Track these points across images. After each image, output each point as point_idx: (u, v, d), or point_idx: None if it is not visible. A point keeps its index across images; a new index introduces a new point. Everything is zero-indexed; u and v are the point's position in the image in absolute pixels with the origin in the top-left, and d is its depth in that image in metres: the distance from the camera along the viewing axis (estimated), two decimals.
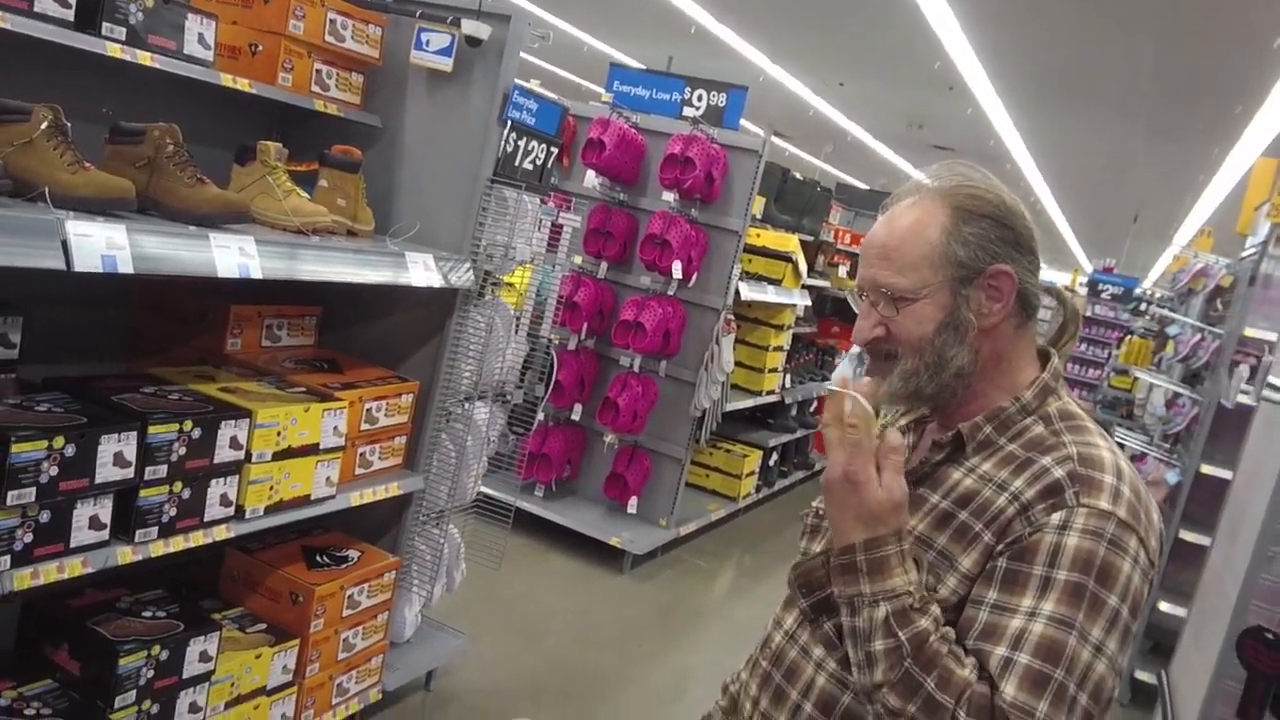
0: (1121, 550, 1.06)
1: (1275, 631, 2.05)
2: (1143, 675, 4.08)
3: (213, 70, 2.25)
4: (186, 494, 2.08)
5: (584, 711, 3.42)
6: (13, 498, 1.73)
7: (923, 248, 1.16)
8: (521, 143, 2.90)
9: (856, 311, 1.24)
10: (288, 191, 2.38)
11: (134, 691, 2.07)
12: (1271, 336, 4.03)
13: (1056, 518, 1.07)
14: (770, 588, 5.12)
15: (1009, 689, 0.99)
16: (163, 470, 2.01)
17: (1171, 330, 5.69)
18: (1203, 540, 3.89)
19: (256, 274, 2.05)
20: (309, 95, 2.61)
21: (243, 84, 2.33)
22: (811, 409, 7.35)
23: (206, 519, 2.15)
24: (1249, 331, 4.33)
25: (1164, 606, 3.97)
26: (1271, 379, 2.02)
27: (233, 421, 2.15)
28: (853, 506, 1.08)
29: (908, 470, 1.16)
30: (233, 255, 2.00)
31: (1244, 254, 4.81)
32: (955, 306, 1.16)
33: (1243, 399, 3.44)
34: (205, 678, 2.23)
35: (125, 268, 1.75)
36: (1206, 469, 4.36)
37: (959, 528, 1.12)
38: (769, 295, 5.42)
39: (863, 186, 12.38)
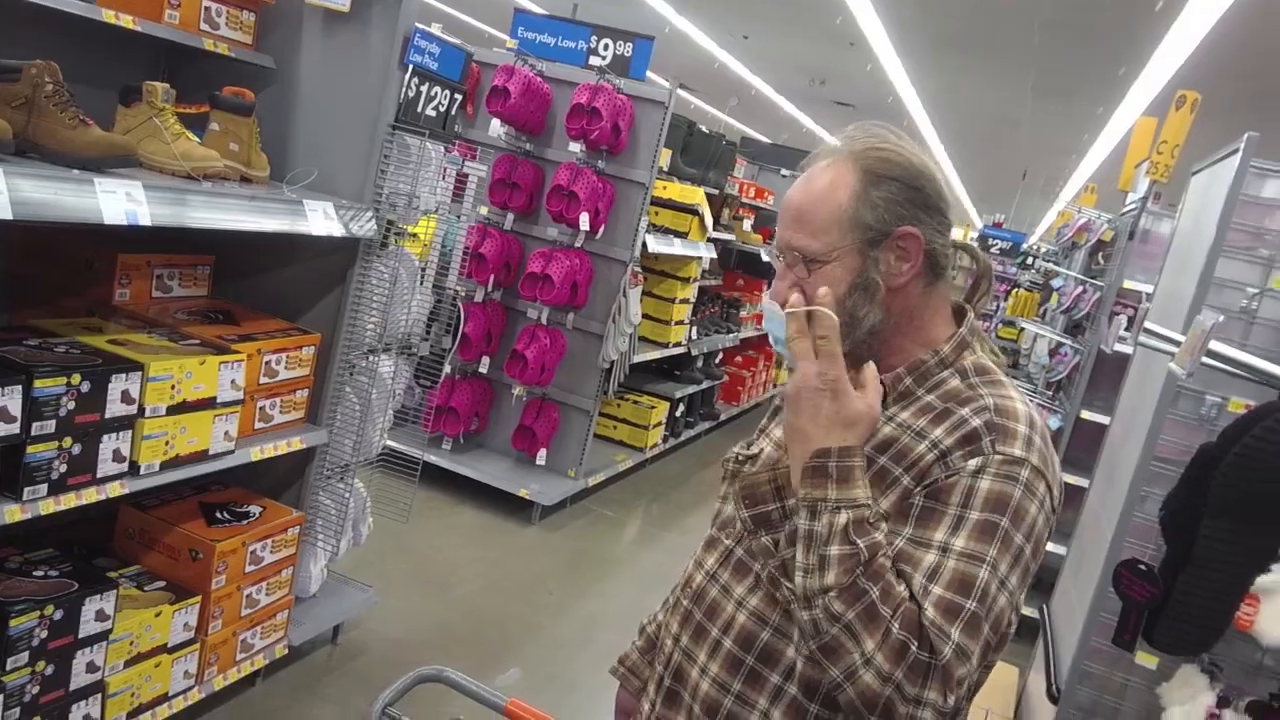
0: (1031, 493, 1.12)
1: (1147, 564, 2.20)
2: (1026, 610, 4.34)
3: (92, 5, 2.12)
4: (77, 450, 2.00)
5: (493, 659, 3.45)
6: None
7: (833, 211, 1.19)
8: (424, 88, 2.83)
9: (775, 271, 1.26)
10: (177, 135, 2.28)
11: (27, 652, 2.01)
12: (1148, 288, 4.26)
13: (973, 463, 1.12)
14: (677, 536, 5.23)
15: (929, 612, 1.04)
16: (51, 425, 1.93)
17: (1055, 283, 5.95)
18: (1081, 482, 4.12)
19: (145, 221, 1.96)
20: (197, 33, 2.49)
21: (126, 20, 2.21)
22: (717, 360, 7.46)
23: (99, 475, 2.07)
24: (1128, 284, 4.57)
25: (1047, 546, 4.19)
26: (1148, 325, 2.15)
27: (123, 375, 2.07)
28: (828, 413, 1.09)
29: None
30: (119, 201, 1.91)
31: (1124, 210, 5.05)
32: (864, 268, 1.19)
33: (1121, 346, 3.64)
34: (103, 636, 2.17)
35: (2, 214, 1.65)
36: (1086, 414, 4.62)
37: (879, 472, 1.17)
38: (675, 248, 5.45)
39: (766, 141, 12.48)
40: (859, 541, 1.05)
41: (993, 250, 11.10)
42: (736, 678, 1.22)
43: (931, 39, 8.14)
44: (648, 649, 1.54)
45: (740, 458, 1.39)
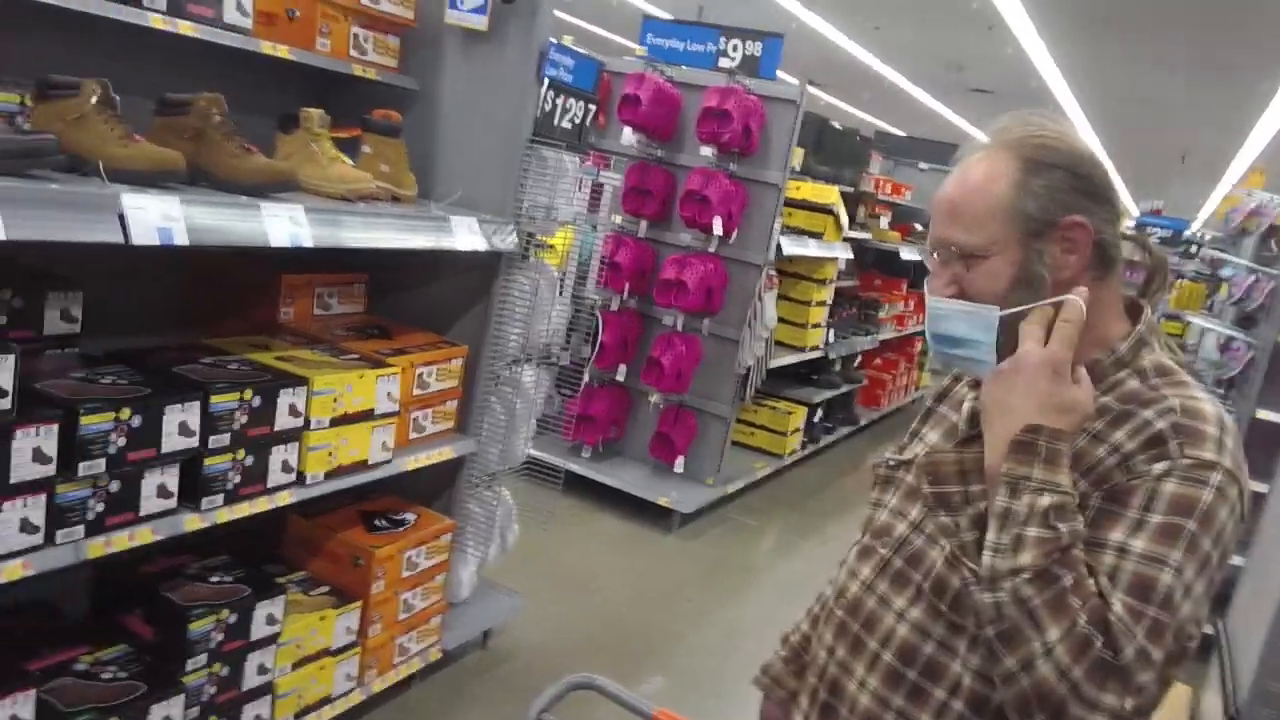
0: (1224, 498, 1.04)
1: None
2: None
3: (251, 37, 2.24)
4: (250, 461, 2.11)
5: (636, 666, 3.46)
6: (84, 469, 1.77)
7: (991, 202, 1.13)
8: (559, 101, 2.87)
9: (929, 269, 1.21)
10: (333, 159, 2.38)
11: (205, 654, 2.13)
12: None
13: (1159, 467, 1.05)
14: (817, 544, 5.13)
15: (1116, 608, 0.99)
16: (226, 438, 2.04)
17: (1225, 272, 5.55)
18: (1261, 488, 3.82)
19: (308, 242, 2.05)
20: (347, 60, 2.60)
21: (282, 51, 2.32)
22: (856, 363, 7.30)
23: (269, 485, 2.18)
24: None
25: None
26: None
27: (290, 389, 2.18)
28: (1043, 392, 1.06)
29: None
30: (284, 224, 2.01)
31: None
32: (1028, 261, 1.13)
33: None
34: (272, 640, 2.29)
35: (181, 239, 1.76)
36: (1263, 414, 4.28)
37: None
38: (810, 249, 5.35)
39: (902, 134, 12.15)
40: (1060, 526, 1.00)
41: (1151, 239, 10.47)
42: (898, 692, 1.17)
43: (1076, 16, 7.73)
44: (791, 659, 1.50)
45: (893, 462, 1.34)
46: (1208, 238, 8.75)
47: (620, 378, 4.91)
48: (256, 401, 2.09)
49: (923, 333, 8.45)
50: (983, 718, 1.11)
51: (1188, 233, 10.55)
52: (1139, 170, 16.84)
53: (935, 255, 1.19)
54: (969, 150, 1.20)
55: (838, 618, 1.28)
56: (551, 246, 3.11)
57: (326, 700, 2.54)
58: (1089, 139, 14.01)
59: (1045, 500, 1.01)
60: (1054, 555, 0.99)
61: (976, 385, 1.33)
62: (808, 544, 5.18)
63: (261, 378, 2.14)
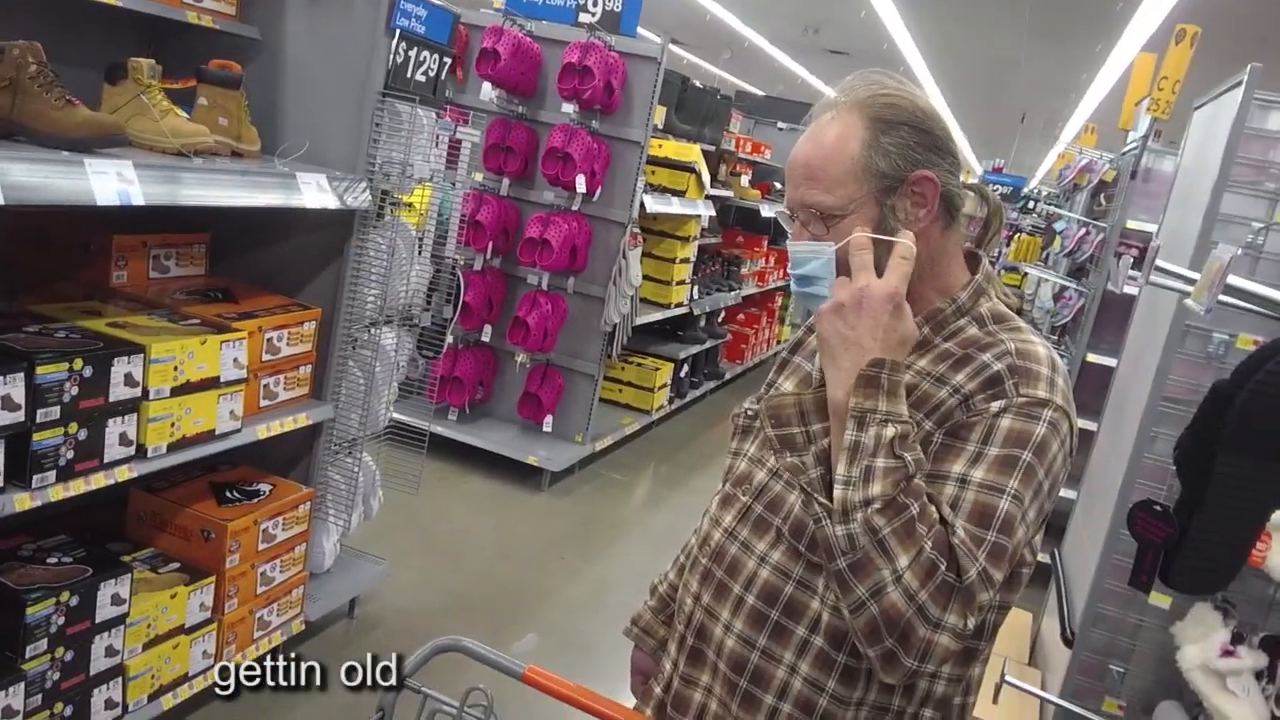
0: (1055, 431, 1.11)
1: (1163, 504, 2.20)
2: (1038, 555, 4.34)
3: None
4: (83, 435, 1.99)
5: (509, 625, 3.47)
6: None
7: (845, 163, 1.16)
8: (412, 53, 2.78)
9: (787, 231, 1.24)
10: (165, 111, 2.24)
11: (45, 640, 2.01)
12: (1151, 227, 4.22)
13: (996, 405, 1.11)
14: (685, 496, 5.24)
15: (959, 533, 1.04)
16: (55, 412, 1.91)
17: (1058, 226, 5.90)
18: (1090, 426, 4.11)
19: (138, 200, 1.93)
20: (180, 6, 2.44)
21: None
22: (720, 319, 7.44)
23: (107, 460, 2.06)
24: (1131, 224, 4.53)
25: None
26: (1159, 263, 2.12)
27: (125, 358, 2.05)
28: (885, 327, 1.08)
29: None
30: (111, 181, 1.88)
31: (1125, 149, 4.99)
32: (882, 217, 1.17)
33: (1129, 288, 3.60)
34: (120, 620, 2.18)
35: None
36: (1092, 358, 4.60)
37: None
38: (673, 207, 5.40)
39: (761, 94, 12.33)
40: (905, 455, 1.04)
41: (988, 189, 10.99)
42: (762, 633, 1.21)
43: None
44: (660, 609, 1.54)
45: (750, 413, 1.38)
46: (1044, 194, 9.26)
47: (485, 338, 4.86)
48: (88, 372, 1.96)
49: (784, 286, 8.62)
50: (841, 651, 1.17)
51: (1026, 189, 11.15)
52: (983, 130, 17.65)
53: (795, 218, 1.22)
54: (818, 110, 1.22)
55: (702, 565, 1.31)
56: (410, 205, 3.03)
57: (184, 679, 2.44)
58: (937, 100, 14.53)
59: (890, 431, 1.05)
60: (901, 485, 1.03)
61: None
62: (676, 496, 5.29)
63: (93, 346, 2.01)
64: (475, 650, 1.52)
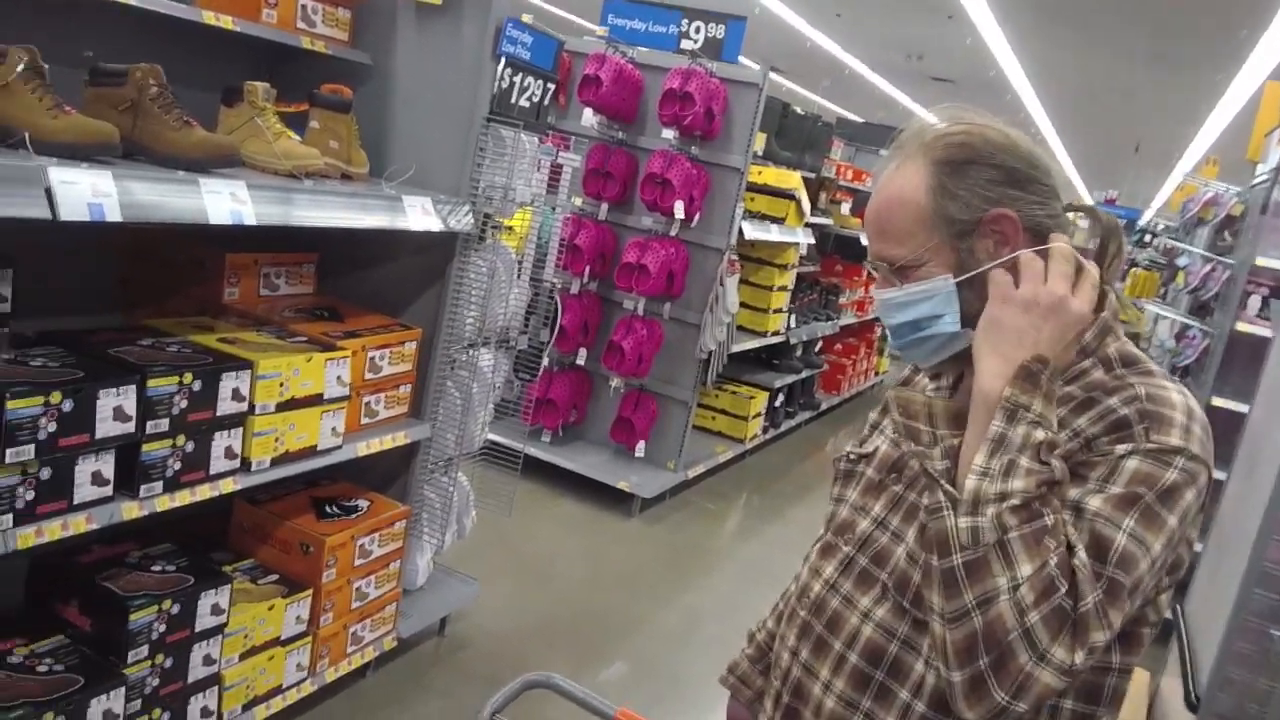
0: (1191, 480, 1.02)
1: None
2: None
3: (194, 7, 2.15)
4: (190, 447, 2.04)
5: (596, 653, 3.43)
6: (11, 455, 1.69)
7: (913, 213, 1.12)
8: (517, 79, 2.81)
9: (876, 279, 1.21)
10: (278, 134, 2.30)
11: (146, 646, 2.06)
12: None
13: (1122, 448, 1.03)
14: (778, 528, 5.13)
15: (1081, 556, 0.96)
16: (164, 424, 1.96)
17: (1181, 261, 5.62)
18: (1218, 475, 3.86)
19: (250, 220, 1.98)
20: (295, 32, 2.51)
21: (225, 21, 2.24)
22: (817, 348, 7.31)
23: (212, 472, 2.11)
24: (1260, 260, 4.26)
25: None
26: None
27: (234, 373, 2.10)
28: (1052, 329, 1.04)
29: (959, 415, 1.11)
30: (225, 201, 1.93)
31: (1255, 181, 4.72)
32: (961, 263, 1.11)
33: (1256, 328, 3.38)
34: (218, 630, 2.22)
35: (113, 216, 1.68)
36: (1218, 401, 4.32)
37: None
38: (772, 234, 5.33)
39: (860, 121, 12.18)
40: (1052, 463, 0.98)
41: (1098, 208, 10.61)
42: (865, 695, 1.14)
43: (1035, 6, 7.78)
44: (758, 658, 1.47)
45: (853, 456, 1.31)
46: (1161, 227, 8.87)
47: (580, 362, 4.86)
48: (197, 386, 2.01)
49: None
50: (943, 716, 1.09)
51: (1141, 222, 10.69)
52: (1094, 160, 17.06)
53: (875, 271, 1.19)
54: (884, 162, 1.18)
55: (801, 618, 1.24)
56: (510, 228, 3.05)
57: (277, 690, 2.47)
58: (1046, 129, 14.13)
59: (1040, 434, 0.99)
60: (1043, 489, 0.97)
61: (936, 378, 1.31)
62: (769, 528, 5.18)
63: (202, 361, 2.06)
64: (565, 688, 1.48)
